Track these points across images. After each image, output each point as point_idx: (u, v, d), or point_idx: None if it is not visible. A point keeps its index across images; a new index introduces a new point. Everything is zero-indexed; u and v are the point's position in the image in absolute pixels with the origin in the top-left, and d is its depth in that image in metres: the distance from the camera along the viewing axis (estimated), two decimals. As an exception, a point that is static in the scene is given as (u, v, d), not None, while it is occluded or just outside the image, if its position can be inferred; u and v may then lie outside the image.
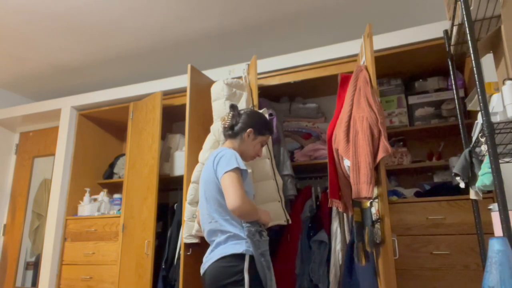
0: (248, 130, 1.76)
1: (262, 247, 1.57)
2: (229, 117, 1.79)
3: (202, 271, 1.61)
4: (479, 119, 1.32)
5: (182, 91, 2.92)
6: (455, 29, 1.68)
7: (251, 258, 1.51)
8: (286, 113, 2.90)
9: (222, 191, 1.57)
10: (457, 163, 1.53)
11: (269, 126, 1.86)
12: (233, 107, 1.83)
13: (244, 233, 1.56)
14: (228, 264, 1.50)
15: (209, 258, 1.57)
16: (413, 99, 2.61)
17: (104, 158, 3.59)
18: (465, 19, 1.25)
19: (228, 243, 1.55)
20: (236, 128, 1.76)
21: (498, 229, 1.22)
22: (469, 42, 1.22)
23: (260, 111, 2.28)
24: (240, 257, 1.51)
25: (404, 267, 2.16)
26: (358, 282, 2.08)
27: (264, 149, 2.19)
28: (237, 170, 1.55)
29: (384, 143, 1.74)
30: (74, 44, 3.09)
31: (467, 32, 1.23)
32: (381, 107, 1.88)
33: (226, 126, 1.78)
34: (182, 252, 2.23)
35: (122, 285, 2.67)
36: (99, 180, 3.47)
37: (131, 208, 2.80)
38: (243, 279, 1.47)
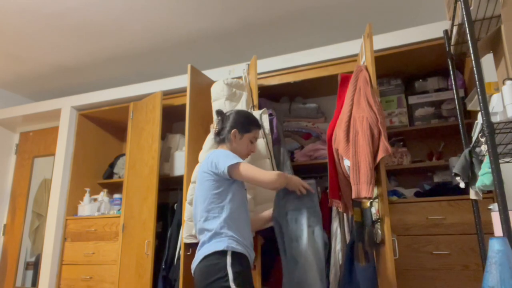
0: (232, 132, 1.81)
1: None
2: (216, 122, 1.85)
3: (192, 270, 1.66)
4: (479, 119, 1.32)
5: (182, 91, 2.92)
6: (455, 29, 1.68)
7: (233, 254, 1.55)
8: (286, 113, 2.90)
9: (215, 189, 1.65)
10: (457, 163, 1.53)
11: (253, 121, 1.90)
12: (218, 113, 1.88)
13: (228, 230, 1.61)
14: (212, 262, 1.55)
15: (196, 259, 1.62)
16: (413, 99, 2.61)
17: (104, 158, 3.58)
18: (465, 19, 1.25)
19: (211, 241, 1.59)
20: (222, 132, 1.83)
21: (498, 229, 1.22)
22: (469, 42, 1.22)
23: (260, 111, 2.28)
24: (222, 253, 1.54)
25: (404, 267, 2.16)
26: (358, 282, 2.08)
27: (264, 149, 2.19)
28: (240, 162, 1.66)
29: (384, 143, 1.74)
30: (74, 44, 3.09)
31: (467, 32, 1.23)
32: (381, 107, 1.88)
33: (216, 132, 1.85)
34: (182, 252, 2.23)
35: (122, 285, 2.67)
36: (99, 180, 3.47)
37: (131, 208, 2.80)
38: (226, 275, 1.50)
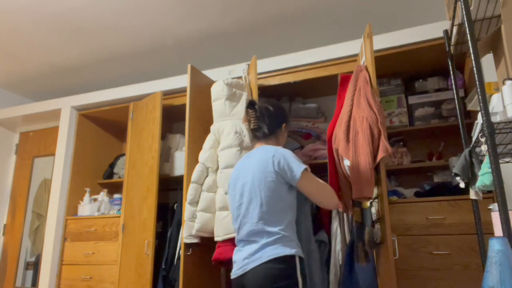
0: (282, 126, 1.72)
1: None
2: (253, 116, 1.69)
3: (240, 272, 1.50)
4: (479, 119, 1.32)
5: (182, 91, 2.92)
6: (455, 29, 1.68)
7: (300, 259, 1.47)
8: (286, 113, 2.90)
9: (281, 191, 1.53)
10: (457, 163, 1.53)
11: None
12: (252, 104, 1.72)
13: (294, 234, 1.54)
14: (281, 266, 1.43)
15: (254, 259, 1.47)
16: (413, 99, 2.61)
17: (104, 158, 3.59)
18: (465, 19, 1.25)
19: (278, 244, 1.46)
20: (271, 127, 1.68)
21: (498, 229, 1.22)
22: (469, 42, 1.22)
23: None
24: (291, 259, 1.45)
25: (404, 267, 2.15)
26: (358, 282, 2.08)
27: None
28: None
29: (384, 143, 1.74)
30: (74, 44, 3.09)
31: (467, 32, 1.23)
32: (381, 107, 1.88)
33: (256, 127, 1.69)
34: (182, 252, 2.23)
35: (122, 285, 2.67)
36: (99, 180, 3.47)
37: (131, 208, 2.80)
38: (297, 282, 1.43)
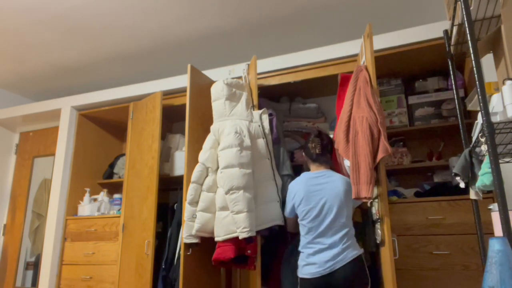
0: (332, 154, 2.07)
1: None
2: (319, 144, 2.01)
3: (329, 270, 1.76)
4: (479, 119, 1.32)
5: (182, 91, 2.93)
6: (455, 29, 1.68)
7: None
8: (286, 113, 2.90)
9: (351, 208, 1.91)
10: (457, 163, 1.53)
11: None
12: (320, 134, 2.06)
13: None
14: (360, 263, 1.80)
15: (339, 260, 1.77)
16: (413, 99, 2.61)
17: (104, 158, 3.59)
18: (465, 19, 1.25)
19: (353, 247, 1.82)
20: (331, 154, 2.05)
21: (498, 229, 1.22)
22: (469, 42, 1.22)
23: (260, 111, 2.28)
24: (362, 256, 1.82)
25: (404, 267, 2.16)
26: (358, 282, 2.08)
27: (264, 149, 2.19)
28: None
29: (384, 143, 1.74)
30: (74, 44, 3.10)
31: (467, 32, 1.23)
32: (381, 107, 1.88)
33: (320, 153, 2.00)
34: (182, 252, 2.23)
35: (122, 285, 2.67)
36: (99, 180, 3.47)
37: (131, 208, 2.80)
38: (367, 272, 1.81)
